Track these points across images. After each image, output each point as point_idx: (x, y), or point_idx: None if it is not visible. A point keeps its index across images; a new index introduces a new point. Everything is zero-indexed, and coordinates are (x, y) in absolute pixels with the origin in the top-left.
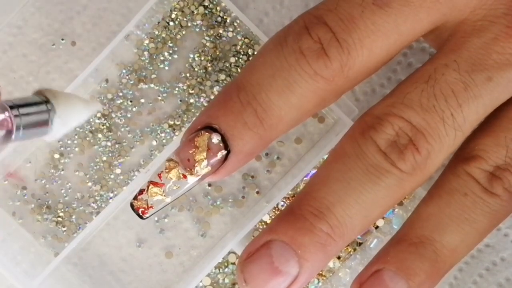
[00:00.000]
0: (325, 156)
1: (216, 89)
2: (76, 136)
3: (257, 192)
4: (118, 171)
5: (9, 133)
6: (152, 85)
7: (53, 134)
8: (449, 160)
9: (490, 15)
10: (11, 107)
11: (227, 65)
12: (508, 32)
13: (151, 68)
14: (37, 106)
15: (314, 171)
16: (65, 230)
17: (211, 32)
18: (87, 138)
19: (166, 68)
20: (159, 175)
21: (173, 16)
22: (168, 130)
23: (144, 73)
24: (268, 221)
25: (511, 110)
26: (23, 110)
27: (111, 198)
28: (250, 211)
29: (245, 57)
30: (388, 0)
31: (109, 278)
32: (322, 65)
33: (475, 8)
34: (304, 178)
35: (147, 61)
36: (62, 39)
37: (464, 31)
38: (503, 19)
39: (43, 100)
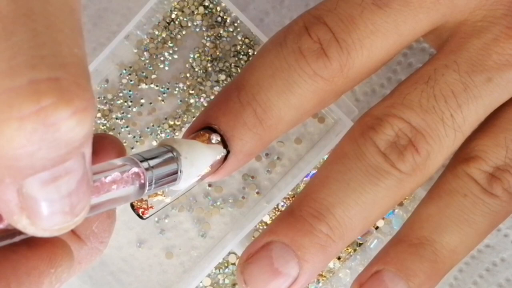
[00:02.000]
0: (325, 157)
1: (216, 90)
2: None
3: (257, 193)
4: None
5: (142, 187)
6: (152, 85)
7: (182, 182)
8: (449, 160)
9: (490, 16)
10: (141, 161)
11: (227, 65)
12: (508, 33)
13: (151, 68)
14: (165, 157)
15: (314, 171)
16: None
17: (211, 32)
18: None
19: (166, 68)
20: None
21: (173, 16)
22: (168, 131)
23: (144, 73)
24: (268, 222)
25: (510, 111)
26: (152, 162)
27: None
28: (250, 212)
29: (245, 57)
30: (387, 0)
31: (109, 279)
32: (322, 65)
33: (475, 8)
34: (304, 179)
35: (147, 61)
36: None
37: (464, 31)
38: (503, 20)
39: (168, 149)
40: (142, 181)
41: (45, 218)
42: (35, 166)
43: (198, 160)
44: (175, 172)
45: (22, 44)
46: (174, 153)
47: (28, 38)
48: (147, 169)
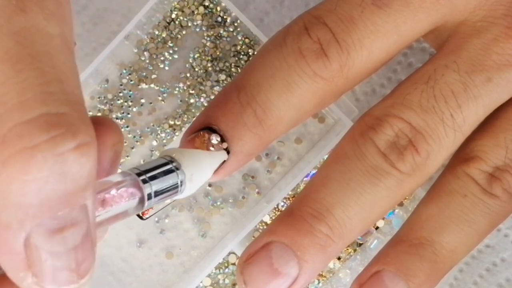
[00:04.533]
0: (325, 157)
1: (216, 89)
2: None
3: (258, 193)
4: (118, 171)
5: (141, 201)
6: (152, 85)
7: (184, 193)
8: (449, 160)
9: (489, 16)
10: (139, 174)
11: (227, 65)
12: (507, 33)
13: (151, 68)
14: (164, 169)
15: (314, 171)
16: None
17: (211, 32)
18: None
19: (166, 68)
20: None
21: (173, 16)
22: (168, 130)
23: (144, 73)
24: (268, 222)
25: (510, 111)
26: (151, 176)
27: None
28: (250, 212)
29: (245, 57)
30: (387, 0)
31: (109, 279)
32: (322, 65)
33: (475, 9)
34: (304, 179)
35: (147, 61)
36: None
37: (463, 31)
38: (502, 20)
39: (169, 161)
40: (142, 196)
41: (51, 274)
42: (42, 205)
43: (199, 169)
44: (175, 184)
45: (31, 81)
46: (174, 164)
47: (36, 75)
48: (145, 183)
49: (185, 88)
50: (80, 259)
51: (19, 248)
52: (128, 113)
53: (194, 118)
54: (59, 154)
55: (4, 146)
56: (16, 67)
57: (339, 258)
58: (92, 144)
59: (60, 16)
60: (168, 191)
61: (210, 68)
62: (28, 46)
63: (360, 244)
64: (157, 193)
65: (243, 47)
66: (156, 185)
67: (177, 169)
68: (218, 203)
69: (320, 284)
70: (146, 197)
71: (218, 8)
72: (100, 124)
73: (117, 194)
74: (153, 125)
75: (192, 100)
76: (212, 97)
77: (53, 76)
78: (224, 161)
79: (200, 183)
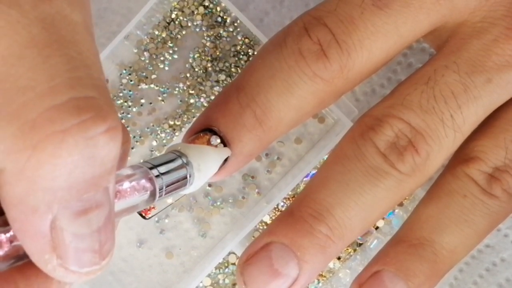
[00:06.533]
0: (325, 157)
1: (216, 90)
2: None
3: (257, 193)
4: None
5: (153, 194)
6: (152, 85)
7: (192, 187)
8: (449, 161)
9: (489, 17)
10: (150, 168)
11: (227, 65)
12: (507, 34)
13: (151, 68)
14: (174, 163)
15: (314, 171)
16: None
17: (211, 32)
18: None
19: (166, 68)
20: None
21: (173, 16)
22: (168, 131)
23: (144, 73)
24: (268, 222)
25: (510, 112)
26: (162, 169)
27: None
28: (250, 212)
29: (245, 57)
30: (387, 1)
31: (109, 279)
32: (322, 66)
33: (475, 9)
34: (304, 179)
35: (147, 61)
36: None
37: (463, 32)
38: (502, 21)
39: (178, 155)
40: (153, 189)
41: (75, 256)
42: (71, 188)
43: (206, 164)
44: (184, 178)
45: (59, 67)
46: (183, 159)
47: (63, 61)
48: (157, 176)
49: (185, 88)
50: (103, 241)
51: (45, 231)
52: (128, 113)
53: (194, 119)
54: (89, 137)
55: (35, 130)
56: (43, 53)
57: (339, 258)
58: (119, 128)
59: (82, 4)
60: (177, 185)
61: (210, 68)
62: (54, 32)
63: (360, 244)
64: (168, 186)
65: (243, 47)
66: (167, 178)
67: (185, 162)
68: (218, 203)
69: (320, 284)
70: (157, 189)
71: (218, 8)
72: None
73: (129, 186)
74: (153, 125)
75: (192, 100)
76: (212, 97)
77: (80, 62)
78: (228, 157)
79: (208, 175)
